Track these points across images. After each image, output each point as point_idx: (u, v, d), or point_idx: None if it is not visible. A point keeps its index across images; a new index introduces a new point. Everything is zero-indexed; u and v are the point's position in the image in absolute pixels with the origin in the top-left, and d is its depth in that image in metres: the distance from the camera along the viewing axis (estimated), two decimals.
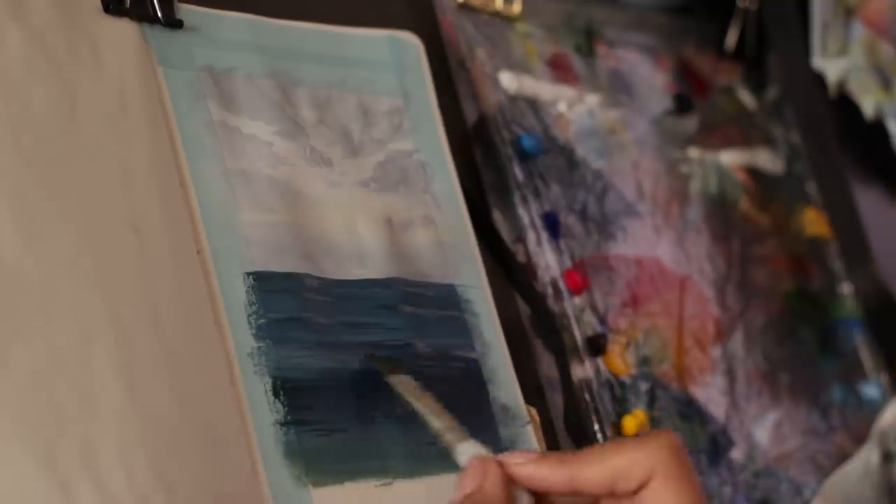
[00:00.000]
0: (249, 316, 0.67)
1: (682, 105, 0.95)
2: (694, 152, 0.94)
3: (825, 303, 0.96)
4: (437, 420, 0.66)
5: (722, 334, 0.88)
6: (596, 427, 0.78)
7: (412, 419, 0.69)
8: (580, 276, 0.82)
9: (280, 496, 0.64)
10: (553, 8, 0.91)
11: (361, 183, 0.74)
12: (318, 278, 0.70)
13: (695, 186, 0.92)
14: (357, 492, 0.67)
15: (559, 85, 0.88)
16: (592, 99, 0.89)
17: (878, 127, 1.02)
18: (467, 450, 0.63)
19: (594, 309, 0.82)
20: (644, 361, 0.83)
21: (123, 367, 0.61)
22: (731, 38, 1.01)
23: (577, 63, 0.91)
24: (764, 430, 0.87)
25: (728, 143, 0.97)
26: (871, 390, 0.94)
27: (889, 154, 1.02)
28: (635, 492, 0.59)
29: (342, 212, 0.73)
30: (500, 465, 0.60)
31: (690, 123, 0.95)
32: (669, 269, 0.88)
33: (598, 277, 0.83)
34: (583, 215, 0.84)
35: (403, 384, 0.70)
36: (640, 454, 0.59)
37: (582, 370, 0.79)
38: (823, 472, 0.87)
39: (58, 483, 0.57)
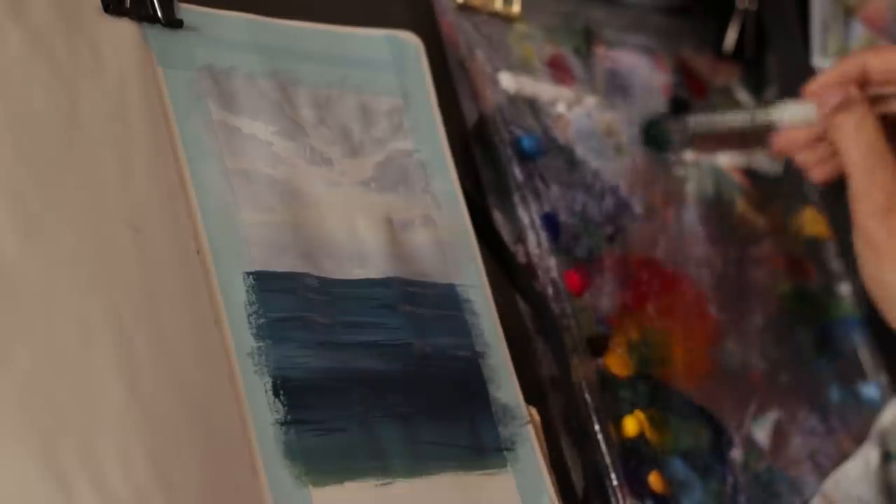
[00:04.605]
0: (249, 316, 0.67)
1: (678, 107, 0.95)
2: (690, 154, 0.94)
3: (823, 303, 0.96)
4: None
5: (721, 334, 0.88)
6: (596, 427, 0.78)
7: (412, 419, 0.69)
8: (579, 278, 0.82)
9: (280, 496, 0.64)
10: (552, 9, 0.91)
11: (361, 182, 0.74)
12: (318, 278, 0.70)
13: (691, 188, 0.92)
14: (357, 492, 0.66)
15: (559, 86, 0.88)
16: (591, 100, 0.89)
17: None
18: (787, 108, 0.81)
19: (594, 310, 0.82)
20: (644, 362, 0.83)
21: (123, 367, 0.61)
22: (730, 39, 1.00)
23: (575, 64, 0.91)
24: (764, 430, 0.87)
25: None
26: (870, 390, 0.94)
27: None
28: None
29: (342, 211, 0.73)
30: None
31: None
32: (667, 270, 0.88)
33: (598, 278, 0.83)
34: (582, 216, 0.84)
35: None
36: None
37: (582, 370, 0.79)
38: (823, 472, 0.87)
39: (58, 483, 0.57)
